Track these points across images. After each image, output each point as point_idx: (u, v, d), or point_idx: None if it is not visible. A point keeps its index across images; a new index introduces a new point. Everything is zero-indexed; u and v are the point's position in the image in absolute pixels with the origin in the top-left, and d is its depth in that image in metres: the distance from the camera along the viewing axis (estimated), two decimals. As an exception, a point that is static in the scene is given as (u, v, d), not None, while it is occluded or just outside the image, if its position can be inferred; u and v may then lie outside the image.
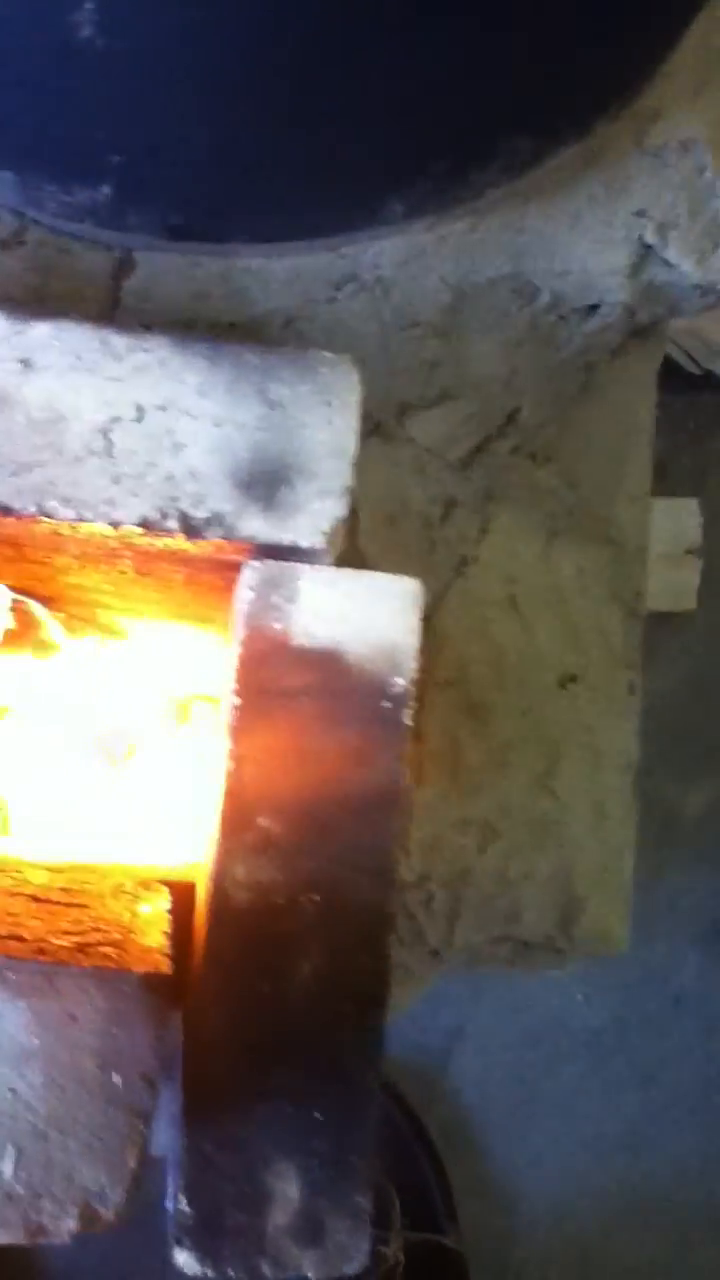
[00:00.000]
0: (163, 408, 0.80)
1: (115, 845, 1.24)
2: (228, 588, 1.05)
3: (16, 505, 0.79)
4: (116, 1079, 0.64)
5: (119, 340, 0.80)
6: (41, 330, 0.80)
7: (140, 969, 0.67)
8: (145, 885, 1.02)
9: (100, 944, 0.71)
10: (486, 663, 1.10)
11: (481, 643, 1.10)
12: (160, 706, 1.28)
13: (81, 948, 0.70)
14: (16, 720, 1.28)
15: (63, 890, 0.93)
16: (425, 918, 1.12)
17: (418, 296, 1.01)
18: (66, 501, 0.80)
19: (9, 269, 0.95)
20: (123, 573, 1.00)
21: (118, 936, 0.73)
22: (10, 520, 0.81)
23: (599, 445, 1.18)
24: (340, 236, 0.96)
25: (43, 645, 1.21)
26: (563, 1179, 2.04)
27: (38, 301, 0.94)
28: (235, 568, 0.94)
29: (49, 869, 1.08)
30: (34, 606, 1.17)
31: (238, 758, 0.84)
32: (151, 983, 0.66)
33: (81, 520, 0.80)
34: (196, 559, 0.89)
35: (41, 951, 0.66)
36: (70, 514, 0.80)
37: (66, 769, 1.28)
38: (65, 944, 0.69)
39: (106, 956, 0.68)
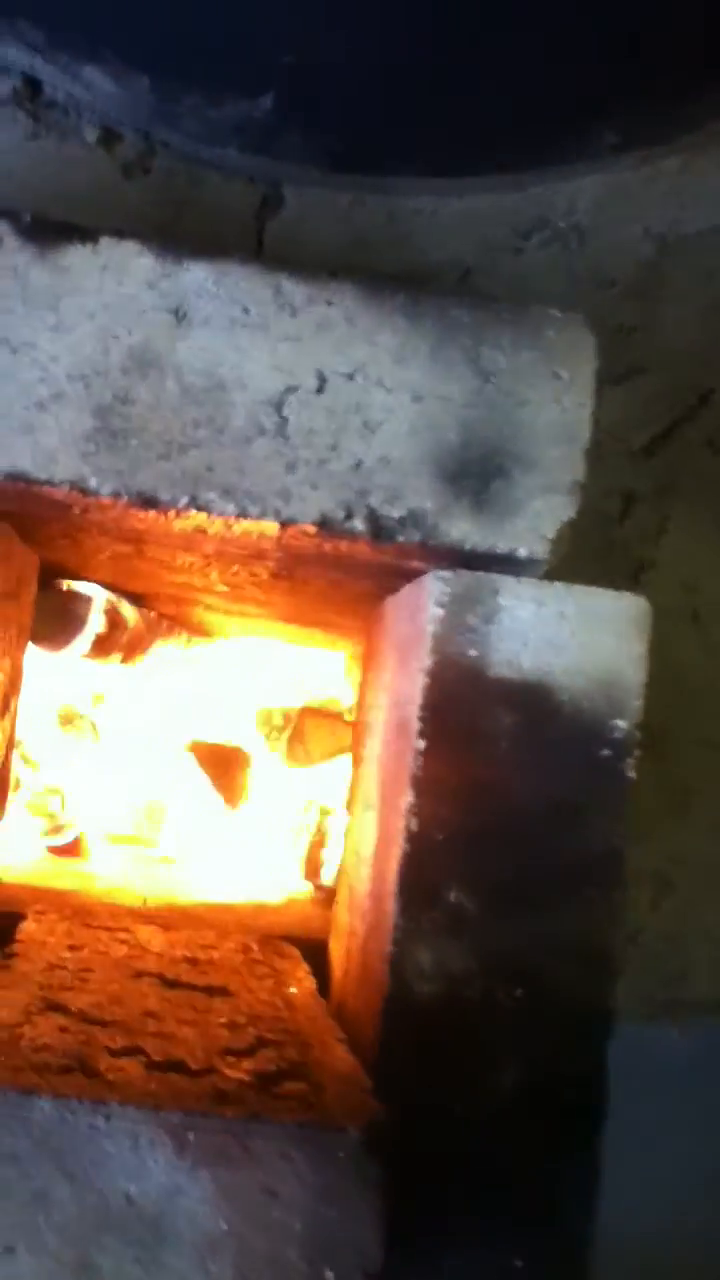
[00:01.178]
0: (350, 376, 0.63)
1: (210, 875, 1.09)
2: (380, 594, 0.89)
3: (165, 495, 0.62)
4: (329, 1276, 0.47)
5: (296, 289, 0.63)
6: (198, 274, 0.63)
7: (347, 1117, 0.50)
8: (274, 949, 0.86)
9: (284, 1073, 0.54)
10: (665, 686, 0.94)
11: (659, 662, 0.94)
12: (269, 721, 1.11)
13: (264, 1081, 0.53)
14: (101, 730, 1.11)
15: (189, 963, 0.77)
16: (581, 980, 0.96)
17: (616, 248, 0.84)
18: (227, 493, 0.63)
19: (131, 202, 0.78)
20: (254, 574, 0.83)
21: (296, 1056, 0.57)
22: (149, 515, 0.64)
23: (781, 432, 1.02)
24: (531, 172, 0.79)
25: (133, 650, 1.04)
26: (646, 1222, 1.88)
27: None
28: (403, 574, 0.78)
29: (154, 918, 0.92)
30: (129, 609, 1.00)
31: (422, 815, 0.68)
32: (369, 1140, 0.49)
33: (244, 516, 0.63)
34: (366, 564, 0.72)
35: (222, 1096, 0.50)
36: (230, 508, 0.63)
37: (157, 784, 1.12)
38: (243, 1075, 0.53)
39: (304, 1100, 0.51)
